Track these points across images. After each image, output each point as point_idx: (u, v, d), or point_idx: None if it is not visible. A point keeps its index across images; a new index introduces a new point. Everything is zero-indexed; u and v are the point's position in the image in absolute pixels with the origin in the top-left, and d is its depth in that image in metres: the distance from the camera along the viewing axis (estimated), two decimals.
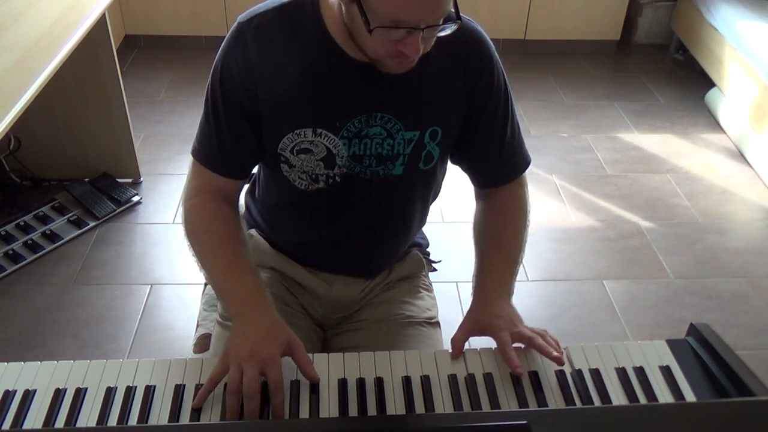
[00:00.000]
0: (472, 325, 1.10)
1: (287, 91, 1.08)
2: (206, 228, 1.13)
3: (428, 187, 1.24)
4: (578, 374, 1.01)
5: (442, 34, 0.96)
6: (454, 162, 1.26)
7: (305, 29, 1.06)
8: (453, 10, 0.96)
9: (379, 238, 1.26)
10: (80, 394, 0.96)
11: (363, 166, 1.13)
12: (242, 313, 1.03)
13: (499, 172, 1.24)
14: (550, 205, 2.78)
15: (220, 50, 1.10)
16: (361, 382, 0.99)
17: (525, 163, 1.25)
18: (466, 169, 1.26)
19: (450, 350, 1.06)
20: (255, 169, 1.32)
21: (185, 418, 0.93)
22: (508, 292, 1.15)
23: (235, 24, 1.09)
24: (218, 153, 1.14)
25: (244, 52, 1.07)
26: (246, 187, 1.39)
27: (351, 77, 1.07)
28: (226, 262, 1.10)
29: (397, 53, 0.96)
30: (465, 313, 1.13)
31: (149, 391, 0.96)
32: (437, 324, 1.32)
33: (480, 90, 1.13)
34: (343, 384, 0.99)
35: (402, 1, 0.89)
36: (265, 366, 0.95)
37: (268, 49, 1.06)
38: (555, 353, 1.01)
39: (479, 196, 1.28)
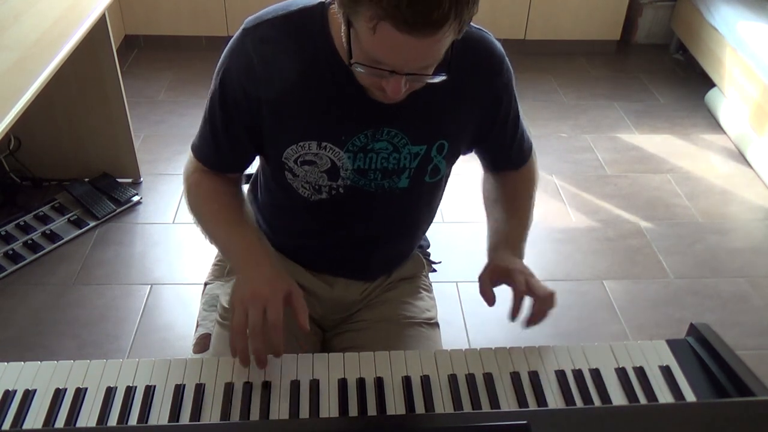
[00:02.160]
0: (490, 270, 1.13)
1: (292, 102, 1.07)
2: (206, 199, 1.17)
3: (433, 196, 1.24)
4: (578, 374, 1.01)
5: (429, 81, 0.94)
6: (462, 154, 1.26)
7: (312, 41, 1.04)
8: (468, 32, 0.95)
9: (382, 246, 1.26)
10: (80, 394, 0.95)
11: (368, 180, 1.13)
12: (246, 264, 1.07)
13: (509, 161, 1.28)
14: (550, 205, 2.78)
15: (224, 54, 1.09)
16: (361, 382, 0.99)
17: (530, 147, 1.29)
18: (476, 156, 1.29)
19: (449, 349, 1.06)
20: (256, 169, 1.32)
21: (185, 418, 0.93)
22: (520, 253, 1.18)
23: (241, 29, 1.07)
24: (215, 154, 1.16)
25: (248, 60, 1.05)
26: (246, 187, 1.39)
27: (357, 92, 1.04)
28: (227, 223, 1.14)
29: (381, 87, 0.95)
30: (483, 265, 1.16)
31: (149, 391, 0.96)
32: (436, 325, 1.32)
33: (491, 100, 1.13)
34: (343, 384, 0.98)
35: (383, 47, 0.87)
36: (266, 304, 0.97)
37: (273, 58, 1.05)
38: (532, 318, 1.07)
39: (489, 171, 1.32)
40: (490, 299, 1.09)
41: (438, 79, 0.94)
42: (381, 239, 1.24)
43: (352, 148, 1.09)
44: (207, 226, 1.16)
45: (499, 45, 1.13)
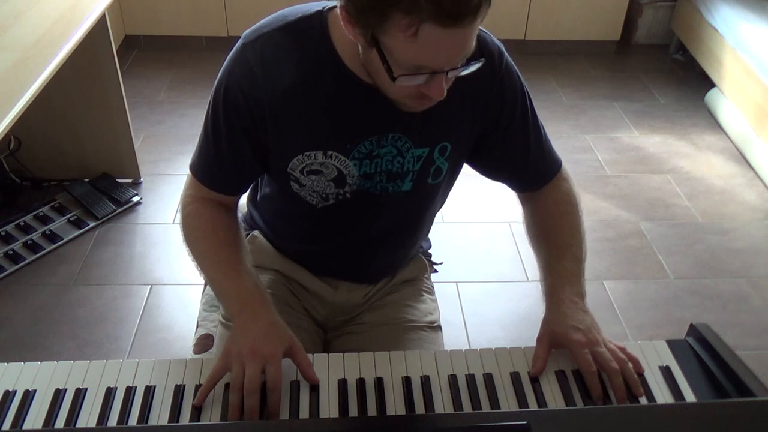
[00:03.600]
0: (549, 338, 1.05)
1: (296, 114, 1.05)
2: (205, 234, 1.13)
3: (436, 198, 1.23)
4: (578, 374, 1.01)
5: (466, 72, 0.93)
6: (487, 176, 1.23)
7: (314, 51, 1.03)
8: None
9: (386, 249, 1.26)
10: (80, 394, 0.96)
11: (373, 182, 1.12)
12: (243, 313, 1.03)
13: (533, 176, 1.21)
14: None
15: (223, 68, 1.07)
16: (361, 383, 0.99)
17: (556, 162, 1.22)
18: (500, 179, 1.24)
19: (449, 349, 1.05)
20: None
21: (185, 419, 0.93)
22: (581, 293, 1.10)
23: (240, 43, 1.05)
24: (217, 171, 1.13)
25: (250, 71, 1.03)
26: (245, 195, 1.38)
27: (362, 100, 1.03)
28: (225, 265, 1.09)
29: (420, 95, 0.94)
30: (541, 322, 1.08)
31: (149, 391, 0.96)
32: (439, 328, 1.32)
33: (493, 102, 1.11)
34: (343, 384, 0.99)
35: (427, 50, 0.86)
36: (265, 363, 0.95)
37: (275, 68, 1.03)
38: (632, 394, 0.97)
39: (523, 200, 1.26)
40: (540, 370, 1.01)
41: (474, 68, 0.93)
42: (384, 242, 1.24)
43: (357, 156, 1.08)
44: (202, 264, 1.11)
45: (498, 43, 1.12)
